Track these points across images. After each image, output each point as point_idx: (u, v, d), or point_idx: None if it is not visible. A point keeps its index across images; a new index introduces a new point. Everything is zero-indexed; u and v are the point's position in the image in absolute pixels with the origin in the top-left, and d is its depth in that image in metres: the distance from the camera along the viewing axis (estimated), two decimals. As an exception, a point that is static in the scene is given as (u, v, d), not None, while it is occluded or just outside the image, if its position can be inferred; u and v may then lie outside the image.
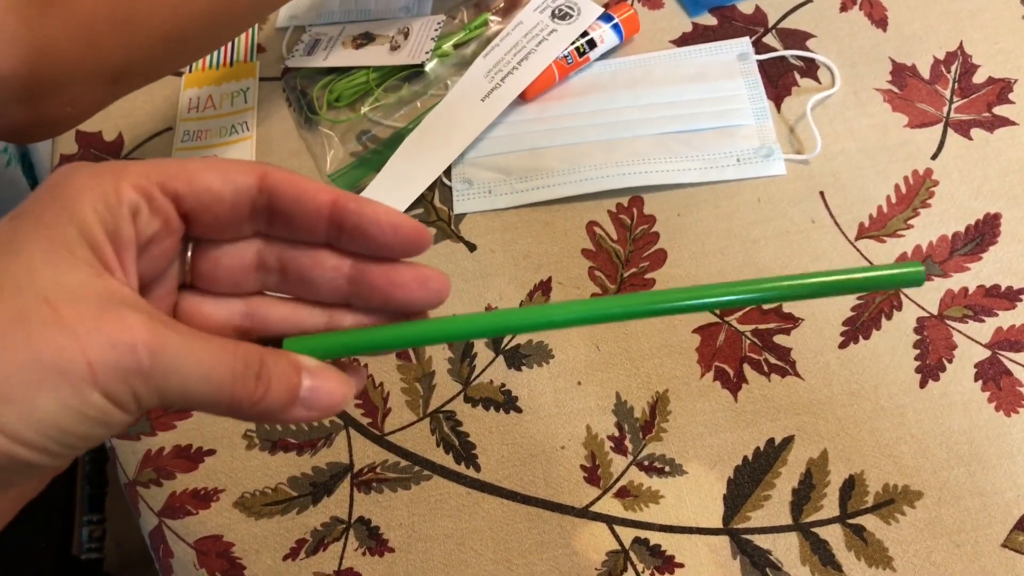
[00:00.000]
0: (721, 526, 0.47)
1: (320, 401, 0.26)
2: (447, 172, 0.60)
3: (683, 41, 0.64)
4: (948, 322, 0.51)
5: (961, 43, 0.61)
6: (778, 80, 0.61)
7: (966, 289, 0.52)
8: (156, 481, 0.52)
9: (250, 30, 0.70)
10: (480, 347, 0.54)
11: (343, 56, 0.66)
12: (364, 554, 0.49)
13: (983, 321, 0.51)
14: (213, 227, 0.27)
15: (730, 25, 0.64)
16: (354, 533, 0.49)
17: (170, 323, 0.24)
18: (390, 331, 0.29)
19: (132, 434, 0.54)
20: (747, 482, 0.48)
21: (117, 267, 0.24)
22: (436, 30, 0.65)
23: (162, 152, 0.65)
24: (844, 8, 0.64)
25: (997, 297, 0.51)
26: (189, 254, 0.27)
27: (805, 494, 0.47)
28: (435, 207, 0.59)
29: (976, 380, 0.49)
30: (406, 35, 0.65)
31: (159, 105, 0.67)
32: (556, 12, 0.63)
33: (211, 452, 0.53)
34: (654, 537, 0.47)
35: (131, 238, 0.24)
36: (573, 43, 0.62)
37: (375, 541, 0.49)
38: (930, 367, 0.50)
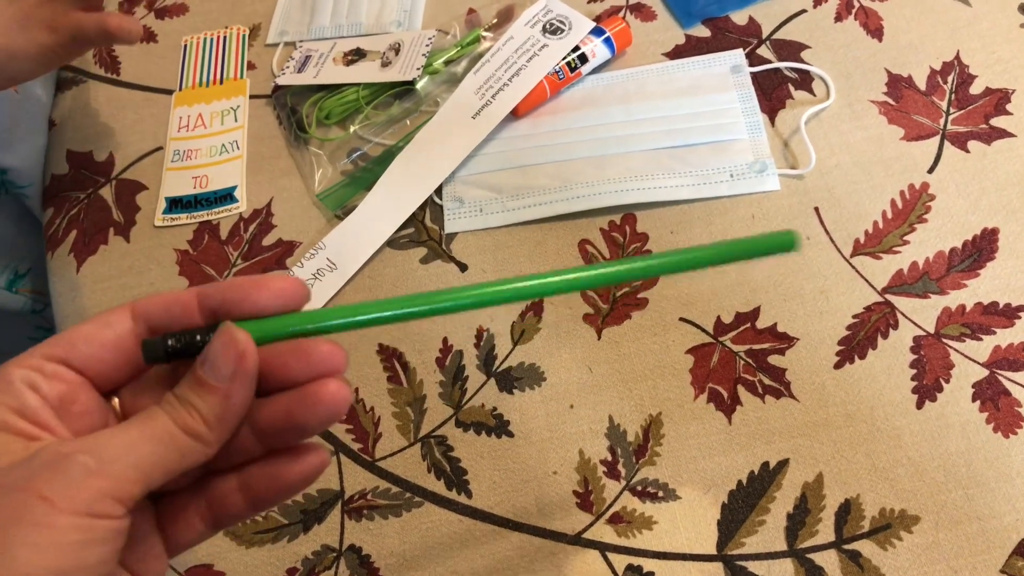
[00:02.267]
0: (715, 552, 0.47)
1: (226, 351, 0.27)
2: (438, 191, 0.59)
3: (676, 53, 0.63)
4: (945, 341, 0.50)
5: (958, 53, 0.60)
6: (772, 93, 0.60)
7: (963, 307, 0.51)
8: (147, 509, 0.52)
9: (240, 46, 0.70)
10: (472, 370, 0.53)
11: (334, 73, 0.65)
12: (355, 583, 0.49)
13: (981, 339, 0.50)
14: (114, 370, 0.28)
15: (724, 37, 0.63)
16: (345, 562, 0.49)
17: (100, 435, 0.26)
18: (325, 313, 0.29)
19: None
20: (741, 507, 0.48)
21: (41, 430, 0.26)
22: (427, 45, 0.64)
23: (153, 172, 0.64)
24: (839, 18, 0.63)
25: (995, 315, 0.51)
26: (116, 403, 0.29)
27: (800, 519, 0.47)
28: (426, 226, 0.59)
29: (974, 400, 0.48)
30: (397, 51, 0.65)
31: (149, 124, 0.67)
32: (547, 27, 0.62)
33: (202, 479, 0.52)
34: (647, 564, 0.47)
35: (38, 404, 0.26)
36: (564, 58, 0.61)
37: (366, 570, 0.49)
38: (927, 387, 0.49)
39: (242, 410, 0.27)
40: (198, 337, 0.28)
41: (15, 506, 0.23)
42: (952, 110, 0.58)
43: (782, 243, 0.33)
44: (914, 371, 0.50)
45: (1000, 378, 0.49)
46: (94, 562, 0.24)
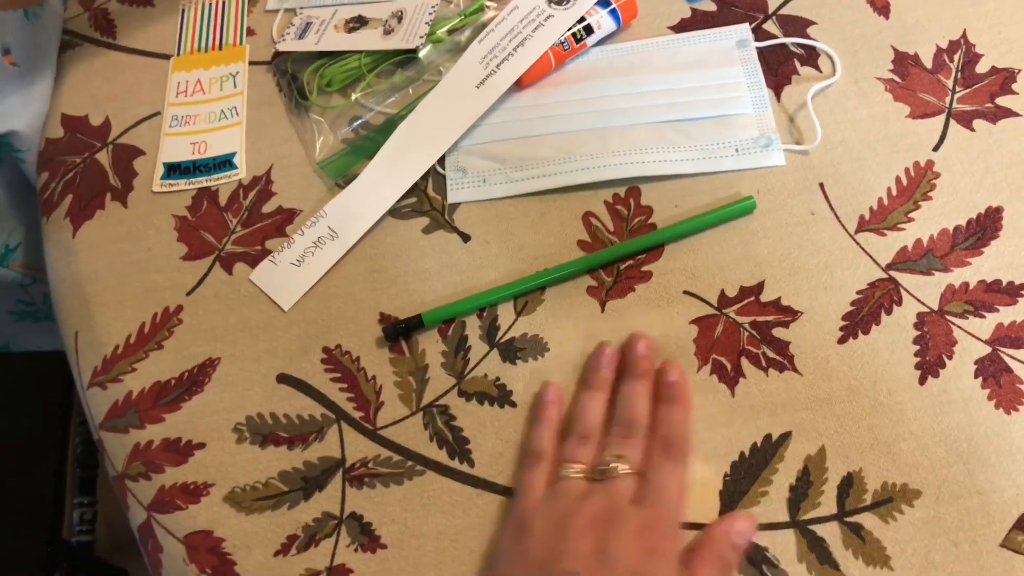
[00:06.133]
0: (717, 523, 0.47)
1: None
2: (441, 160, 0.59)
3: (681, 27, 0.63)
4: (948, 318, 0.50)
5: (964, 32, 0.60)
6: (778, 68, 0.60)
7: (967, 284, 0.51)
8: (145, 475, 0.51)
9: (239, 12, 0.69)
10: (475, 340, 0.53)
11: (335, 40, 0.64)
12: (356, 550, 0.48)
13: (984, 317, 0.50)
14: None
15: (729, 11, 0.63)
16: (346, 529, 0.49)
17: None
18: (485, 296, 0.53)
19: (121, 427, 0.53)
20: (744, 478, 0.48)
21: None
22: (430, 14, 0.63)
23: (151, 137, 0.63)
24: (846, -6, 0.63)
25: (998, 292, 0.51)
26: None
27: (803, 491, 0.47)
28: (428, 196, 0.58)
29: (976, 377, 0.49)
30: (400, 19, 0.64)
31: (147, 89, 0.66)
32: (553, -3, 0.62)
33: (201, 446, 0.52)
34: (650, 534, 0.47)
35: None
36: (570, 29, 0.60)
37: (367, 537, 0.49)
38: (930, 363, 0.49)
39: None
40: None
41: None
42: (958, 88, 0.58)
43: (744, 208, 0.53)
44: (917, 347, 0.50)
45: (1002, 355, 0.49)
46: None
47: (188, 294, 0.56)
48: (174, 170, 0.61)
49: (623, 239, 0.55)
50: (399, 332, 0.53)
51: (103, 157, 0.63)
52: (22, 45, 0.63)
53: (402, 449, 0.51)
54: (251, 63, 0.66)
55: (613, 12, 0.61)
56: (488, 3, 0.65)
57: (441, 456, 0.50)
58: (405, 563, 0.48)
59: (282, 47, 0.65)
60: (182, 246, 0.58)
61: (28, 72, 0.64)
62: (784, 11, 0.62)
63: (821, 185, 0.55)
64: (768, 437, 0.49)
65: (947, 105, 0.57)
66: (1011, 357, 0.49)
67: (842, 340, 0.50)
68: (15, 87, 0.63)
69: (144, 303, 0.57)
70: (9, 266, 0.69)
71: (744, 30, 0.62)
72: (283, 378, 0.53)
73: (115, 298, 0.57)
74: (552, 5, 0.61)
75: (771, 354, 0.51)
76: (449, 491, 0.49)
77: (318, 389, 0.53)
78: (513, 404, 0.51)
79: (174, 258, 0.58)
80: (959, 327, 0.50)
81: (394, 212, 0.58)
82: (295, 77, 0.64)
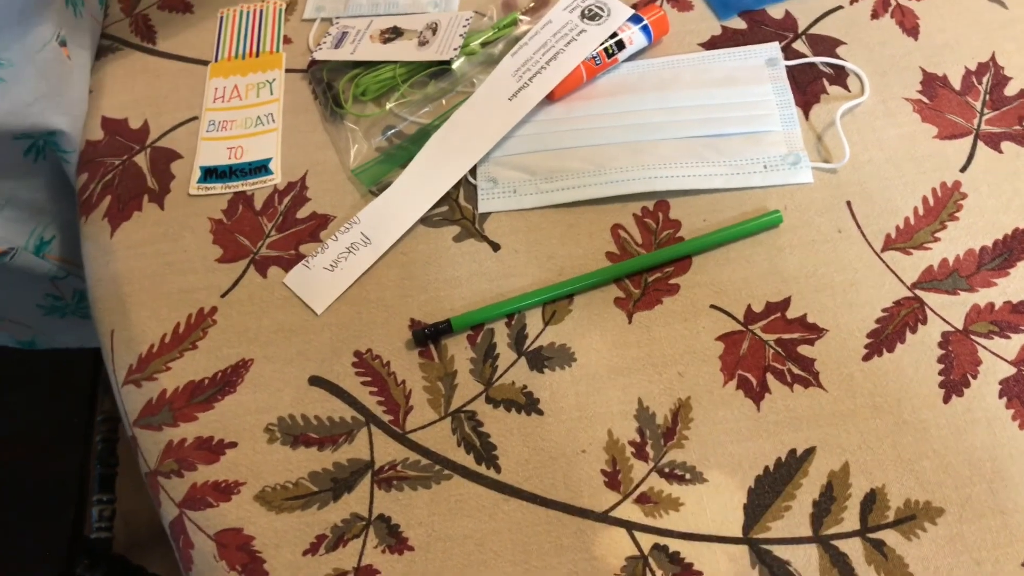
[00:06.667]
0: (741, 535, 0.47)
1: None
2: (472, 171, 0.60)
3: (712, 44, 0.64)
4: (973, 337, 0.51)
5: (993, 54, 0.60)
6: (807, 87, 0.61)
7: (992, 304, 0.52)
8: (177, 472, 0.52)
9: (276, 20, 0.70)
10: (503, 348, 0.54)
11: (370, 50, 0.65)
12: (383, 552, 0.49)
13: (1009, 337, 0.51)
14: None
15: (760, 29, 0.64)
16: (374, 531, 0.50)
17: None
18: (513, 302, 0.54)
19: (154, 424, 0.54)
20: (768, 492, 0.48)
21: None
22: (464, 27, 0.64)
23: (188, 141, 0.65)
24: (875, 15, 0.63)
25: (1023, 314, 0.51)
26: None
27: (826, 506, 0.48)
28: (459, 205, 0.59)
29: (1000, 397, 0.49)
30: (434, 31, 0.65)
31: (184, 94, 0.67)
32: (586, 12, 0.63)
33: (232, 445, 0.53)
34: (673, 544, 0.47)
35: None
36: (602, 44, 0.61)
37: (395, 539, 0.49)
38: (954, 382, 0.50)
39: None
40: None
41: None
42: (986, 110, 0.58)
43: (771, 222, 0.54)
44: (941, 366, 0.50)
45: (1027, 376, 0.50)
46: None
47: (223, 296, 0.58)
48: (210, 174, 0.63)
49: (651, 252, 0.56)
50: (428, 336, 0.54)
51: (141, 160, 0.64)
52: (73, 43, 0.65)
53: (430, 453, 0.51)
54: (287, 71, 0.67)
55: (645, 28, 0.62)
56: (522, 17, 0.66)
57: (468, 461, 0.51)
58: (431, 566, 0.49)
59: (318, 56, 0.66)
60: (217, 248, 0.59)
61: (76, 69, 0.66)
62: (814, 31, 0.63)
63: (848, 203, 0.56)
64: (792, 452, 0.49)
65: (975, 126, 0.58)
66: (1036, 378, 0.49)
67: (867, 357, 0.51)
68: (69, 83, 0.65)
69: (179, 304, 0.58)
70: (45, 257, 0.71)
71: (774, 49, 0.62)
72: (315, 380, 0.54)
73: (151, 298, 0.58)
74: (585, 20, 0.62)
75: (796, 370, 0.51)
76: (475, 496, 0.50)
77: (349, 392, 0.54)
78: (540, 412, 0.52)
79: (209, 260, 0.59)
80: (984, 347, 0.51)
81: (426, 220, 0.59)
82: (331, 86, 0.65)
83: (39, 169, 0.67)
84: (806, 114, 0.60)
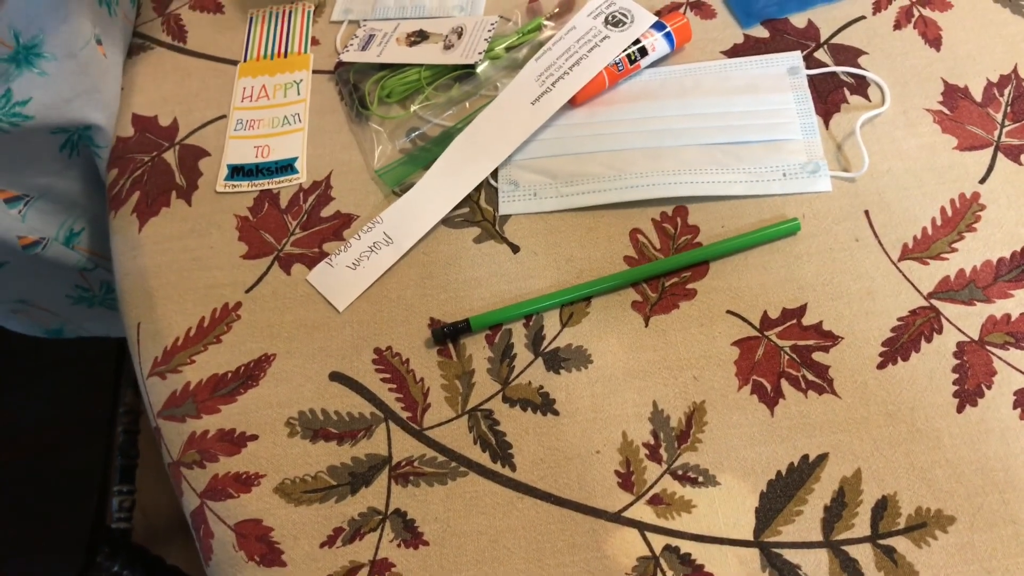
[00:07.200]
0: (752, 538, 0.48)
1: None
2: (494, 173, 0.61)
3: (734, 52, 0.64)
4: (989, 348, 0.51)
5: (1015, 67, 0.60)
6: (827, 96, 0.61)
7: (1008, 316, 0.52)
8: (199, 463, 0.54)
9: (305, 22, 0.71)
10: (520, 348, 0.55)
11: (396, 53, 0.67)
12: (399, 546, 0.50)
13: (1024, 349, 0.51)
14: None
15: (782, 38, 0.64)
16: (390, 525, 0.51)
17: None
18: (532, 303, 0.55)
19: (178, 416, 0.55)
20: (779, 496, 0.49)
21: None
22: (489, 31, 0.65)
23: (216, 139, 0.66)
24: (898, 26, 0.63)
25: (1040, 326, 0.51)
26: None
27: (837, 512, 0.48)
28: (481, 207, 0.60)
29: (1015, 408, 0.49)
30: (460, 34, 0.66)
31: (213, 93, 0.69)
32: (609, 19, 0.64)
33: (254, 437, 0.54)
34: (685, 546, 0.48)
35: None
36: (625, 50, 0.62)
37: (410, 533, 0.50)
38: (968, 392, 0.50)
39: None
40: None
41: None
42: (1007, 122, 0.58)
43: (789, 229, 0.55)
44: (956, 376, 0.51)
45: (1042, 387, 0.50)
46: None
47: (247, 291, 0.59)
48: (237, 172, 0.64)
49: (668, 257, 0.56)
50: (447, 335, 0.55)
51: (170, 156, 0.66)
52: (107, 41, 0.67)
53: (447, 450, 0.52)
54: (314, 72, 0.69)
55: (668, 35, 0.63)
56: (546, 22, 0.67)
57: (484, 459, 0.52)
58: (445, 560, 0.49)
59: (345, 58, 0.68)
60: (243, 245, 0.61)
61: (111, 67, 0.67)
62: (835, 40, 0.63)
63: (866, 212, 0.56)
64: (805, 457, 0.50)
65: (995, 138, 0.58)
66: (1050, 390, 0.50)
67: (881, 366, 0.51)
68: (105, 80, 0.66)
69: (205, 298, 0.59)
70: (74, 248, 0.72)
71: (795, 57, 0.63)
72: (335, 376, 0.55)
73: (177, 292, 0.60)
74: (608, 27, 0.63)
75: (811, 377, 0.52)
76: (491, 493, 0.51)
77: (368, 388, 0.55)
78: (556, 412, 0.52)
79: (235, 256, 0.60)
80: (999, 358, 0.51)
81: (447, 221, 0.60)
82: (357, 87, 0.66)
83: (73, 163, 0.68)
84: (826, 123, 0.60)
